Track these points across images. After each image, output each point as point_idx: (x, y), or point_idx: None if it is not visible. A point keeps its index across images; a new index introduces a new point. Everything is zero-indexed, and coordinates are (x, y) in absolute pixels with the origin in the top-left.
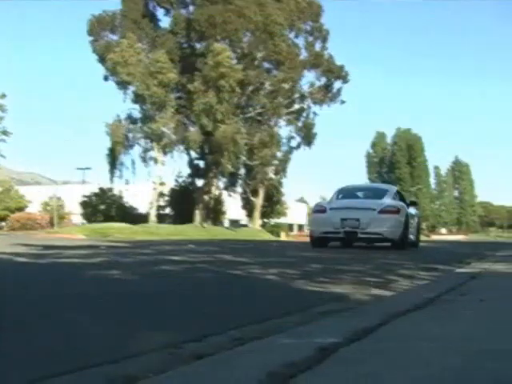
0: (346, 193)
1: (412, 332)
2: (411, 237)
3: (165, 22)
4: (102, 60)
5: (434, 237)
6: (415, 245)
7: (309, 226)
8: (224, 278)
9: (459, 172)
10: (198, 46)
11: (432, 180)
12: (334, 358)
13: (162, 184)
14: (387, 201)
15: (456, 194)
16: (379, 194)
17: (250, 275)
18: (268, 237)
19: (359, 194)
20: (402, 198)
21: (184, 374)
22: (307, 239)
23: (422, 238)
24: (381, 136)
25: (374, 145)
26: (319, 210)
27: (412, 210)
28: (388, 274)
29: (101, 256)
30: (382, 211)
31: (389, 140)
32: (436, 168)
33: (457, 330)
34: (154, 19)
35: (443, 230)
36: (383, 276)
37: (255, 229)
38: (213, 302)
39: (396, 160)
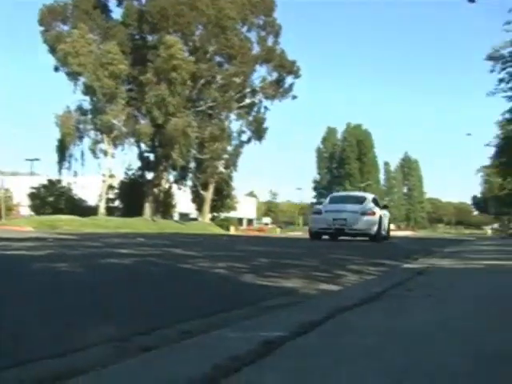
0: (336, 199)
1: (358, 326)
2: (383, 232)
3: (117, 13)
4: (53, 50)
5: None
6: (386, 238)
7: (309, 223)
8: (173, 271)
9: (408, 168)
10: (149, 38)
11: (382, 176)
12: (279, 351)
13: (111, 176)
14: (366, 206)
15: (405, 190)
16: (360, 200)
17: (199, 269)
18: (217, 231)
19: (345, 199)
20: (376, 203)
21: (130, 367)
22: (257, 233)
23: None
24: (331, 131)
25: (324, 140)
26: (317, 211)
27: (384, 212)
28: (337, 268)
29: (49, 248)
30: (362, 213)
31: (339, 136)
32: (386, 164)
33: (401, 323)
34: (105, 10)
35: (392, 226)
36: (332, 271)
37: (205, 222)
38: (161, 296)
39: (346, 155)
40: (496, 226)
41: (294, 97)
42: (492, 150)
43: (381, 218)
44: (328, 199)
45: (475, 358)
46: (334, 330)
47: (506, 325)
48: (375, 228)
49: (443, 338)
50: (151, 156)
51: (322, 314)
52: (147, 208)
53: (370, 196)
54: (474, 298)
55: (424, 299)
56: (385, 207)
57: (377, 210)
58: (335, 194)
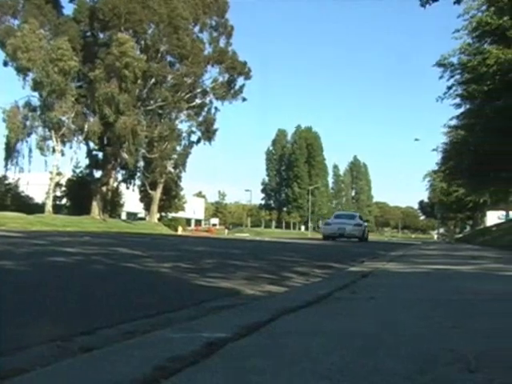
0: (339, 215)
1: (300, 327)
2: (365, 236)
3: (69, 9)
4: (2, 45)
5: None
6: (366, 240)
7: (322, 230)
8: (118, 271)
9: (357, 172)
10: (101, 35)
11: (330, 179)
12: (221, 352)
13: (59, 174)
14: (356, 220)
15: (353, 193)
16: (352, 217)
17: (144, 269)
18: (165, 231)
19: (344, 216)
20: (361, 218)
21: (70, 367)
22: (204, 234)
23: (318, 236)
24: (282, 134)
25: (274, 142)
26: (328, 223)
27: (365, 224)
28: (284, 270)
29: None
30: (354, 225)
31: (290, 138)
32: (335, 167)
33: (344, 325)
34: (57, 6)
35: None
36: (279, 273)
37: (153, 222)
38: (105, 295)
39: (295, 158)
40: (442, 230)
41: (245, 99)
42: (439, 156)
43: (364, 227)
44: (334, 215)
45: (412, 360)
46: (277, 331)
47: (444, 328)
48: (361, 234)
49: (382, 339)
50: (100, 154)
51: (266, 316)
52: (95, 207)
53: (357, 214)
54: (415, 301)
55: (367, 302)
56: (366, 221)
57: (361, 222)
58: (337, 212)
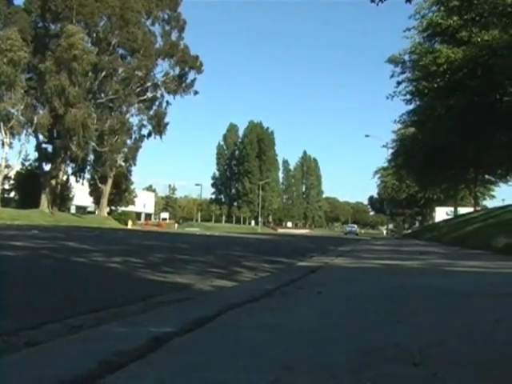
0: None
1: (246, 322)
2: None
3: None
4: None
5: (281, 230)
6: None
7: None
8: (66, 265)
9: (307, 167)
10: (52, 26)
11: (281, 174)
12: (166, 347)
13: (7, 167)
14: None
15: (304, 188)
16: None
17: (93, 263)
18: (115, 225)
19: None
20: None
21: (14, 362)
22: (154, 228)
23: (268, 231)
24: (233, 128)
25: (225, 137)
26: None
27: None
28: (233, 265)
29: None
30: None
31: (241, 133)
32: (285, 162)
33: (290, 320)
34: None
35: (289, 224)
36: (228, 267)
37: (102, 216)
38: (52, 290)
39: (246, 153)
40: (391, 226)
41: (196, 92)
42: (389, 152)
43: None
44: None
45: (358, 355)
46: (222, 326)
47: (389, 323)
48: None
49: (327, 334)
50: (49, 147)
51: (212, 311)
52: (44, 200)
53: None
54: (362, 296)
55: (314, 297)
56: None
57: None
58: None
